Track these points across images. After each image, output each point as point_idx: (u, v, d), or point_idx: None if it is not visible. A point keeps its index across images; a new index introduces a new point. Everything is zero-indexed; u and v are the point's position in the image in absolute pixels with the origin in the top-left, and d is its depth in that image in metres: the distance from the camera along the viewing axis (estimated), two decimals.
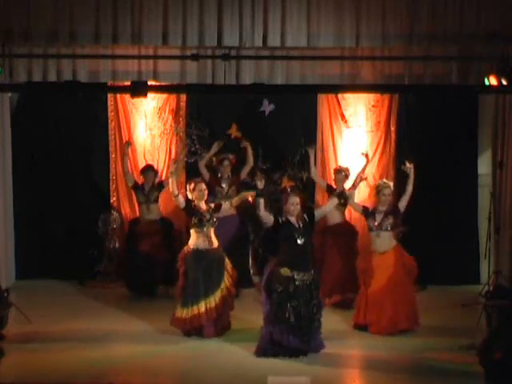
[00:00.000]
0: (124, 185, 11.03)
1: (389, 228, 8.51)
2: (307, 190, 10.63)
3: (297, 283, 7.49)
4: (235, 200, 8.92)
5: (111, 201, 11.09)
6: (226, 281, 8.31)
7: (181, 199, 8.39)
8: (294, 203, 7.60)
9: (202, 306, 8.11)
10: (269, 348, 7.54)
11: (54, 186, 10.95)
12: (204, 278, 8.17)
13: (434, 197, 10.65)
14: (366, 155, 9.78)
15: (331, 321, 8.32)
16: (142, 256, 10.02)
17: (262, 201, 7.64)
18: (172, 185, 8.35)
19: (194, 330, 8.21)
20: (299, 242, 7.53)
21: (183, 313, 8.17)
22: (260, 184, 7.79)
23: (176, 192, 8.35)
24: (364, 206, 8.81)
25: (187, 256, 8.31)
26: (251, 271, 10.65)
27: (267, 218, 7.66)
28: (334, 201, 8.28)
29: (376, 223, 8.51)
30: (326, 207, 8.36)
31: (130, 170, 10.58)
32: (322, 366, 7.33)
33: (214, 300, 8.15)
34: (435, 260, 10.48)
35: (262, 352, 7.55)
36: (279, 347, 7.50)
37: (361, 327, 8.48)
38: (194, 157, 10.72)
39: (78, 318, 9.01)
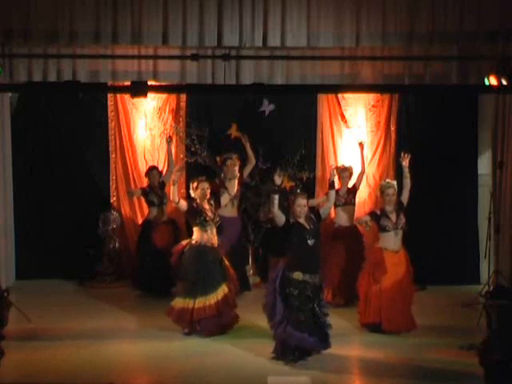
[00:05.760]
0: (124, 185, 11.06)
1: (404, 226, 8.53)
2: (307, 190, 10.62)
3: (311, 286, 7.43)
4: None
5: (111, 201, 11.09)
6: (228, 280, 8.31)
7: (182, 203, 8.38)
8: (301, 205, 7.51)
9: (199, 302, 8.10)
10: (288, 352, 7.46)
11: (54, 186, 10.95)
12: (205, 274, 8.16)
13: (434, 197, 10.64)
14: (361, 144, 10.02)
15: (331, 320, 8.30)
16: (160, 258, 9.87)
17: (277, 197, 7.41)
18: (173, 193, 8.30)
19: (184, 323, 8.19)
20: (310, 243, 7.44)
21: (177, 303, 8.18)
22: (278, 180, 7.57)
23: (177, 199, 8.31)
24: (371, 212, 8.78)
25: (186, 250, 8.29)
26: (251, 271, 10.64)
27: (280, 216, 7.48)
28: (332, 193, 8.07)
29: (393, 222, 8.50)
30: (328, 203, 8.00)
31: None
32: (323, 366, 7.33)
33: (213, 298, 8.13)
34: (435, 260, 10.50)
35: (281, 355, 7.49)
36: (297, 350, 7.42)
37: (371, 326, 8.42)
38: (194, 157, 10.72)
39: (78, 317, 9.00)
